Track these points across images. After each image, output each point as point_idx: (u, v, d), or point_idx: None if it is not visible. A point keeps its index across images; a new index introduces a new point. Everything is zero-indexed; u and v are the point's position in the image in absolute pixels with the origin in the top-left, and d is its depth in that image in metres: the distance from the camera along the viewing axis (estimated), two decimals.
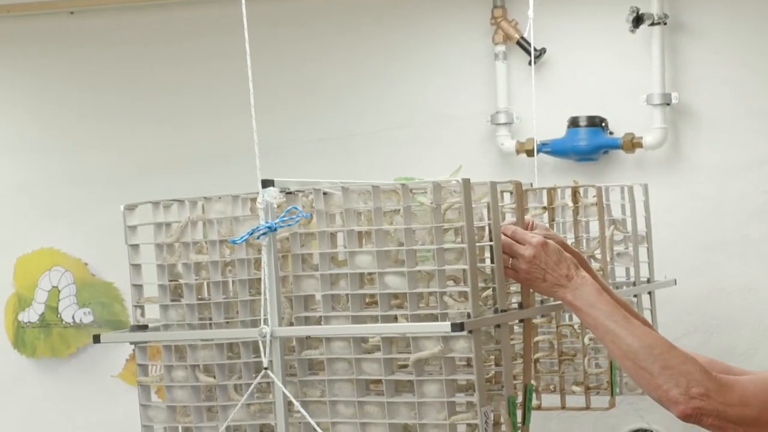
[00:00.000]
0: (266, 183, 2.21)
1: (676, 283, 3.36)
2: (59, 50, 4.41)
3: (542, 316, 2.91)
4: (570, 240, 2.97)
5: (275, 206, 2.21)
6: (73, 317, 4.32)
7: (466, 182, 2.21)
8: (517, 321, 2.61)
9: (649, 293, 3.22)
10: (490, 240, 2.34)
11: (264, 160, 2.23)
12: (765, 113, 3.60)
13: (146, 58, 4.30)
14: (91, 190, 4.31)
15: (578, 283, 2.25)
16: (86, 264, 4.33)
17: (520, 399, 2.46)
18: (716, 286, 3.63)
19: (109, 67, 4.35)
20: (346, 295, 2.30)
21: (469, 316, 2.17)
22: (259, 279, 2.29)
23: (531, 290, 2.50)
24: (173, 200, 2.42)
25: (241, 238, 2.22)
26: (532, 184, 3.24)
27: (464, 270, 2.21)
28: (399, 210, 2.25)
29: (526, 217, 2.67)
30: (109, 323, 4.25)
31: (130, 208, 2.43)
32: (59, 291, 4.34)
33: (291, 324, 2.32)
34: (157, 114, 4.29)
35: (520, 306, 2.52)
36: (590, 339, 2.98)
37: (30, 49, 4.43)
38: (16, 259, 4.42)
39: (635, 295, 3.13)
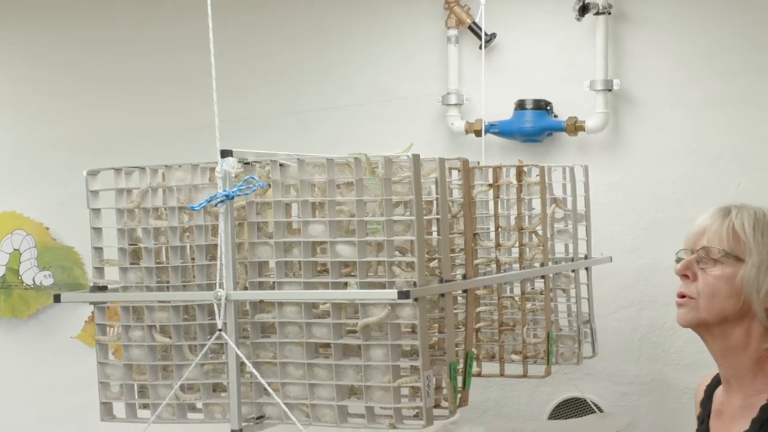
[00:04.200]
0: (225, 153, 2.22)
1: (612, 261, 3.41)
2: (25, 18, 4.37)
3: (485, 287, 2.95)
4: (513, 216, 3.01)
5: (233, 176, 2.22)
6: (33, 279, 4.30)
7: (416, 158, 2.23)
8: (460, 291, 2.65)
9: (587, 269, 3.26)
10: (437, 214, 2.37)
11: (222, 134, 2.24)
12: (699, 103, 3.64)
13: (110, 30, 4.27)
14: (55, 157, 4.28)
15: None
16: (48, 228, 4.30)
17: (461, 365, 2.49)
18: (650, 265, 3.68)
19: (73, 36, 4.31)
20: (299, 262, 2.32)
21: (415, 284, 2.20)
22: (216, 245, 2.30)
23: (474, 263, 2.53)
24: (135, 167, 2.43)
25: (200, 205, 2.23)
26: (479, 162, 3.27)
27: (412, 241, 2.23)
28: (351, 182, 2.27)
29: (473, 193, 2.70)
30: (68, 286, 4.22)
31: (93, 173, 2.43)
32: (20, 254, 4.31)
33: (245, 289, 2.34)
34: (123, 84, 4.25)
35: (464, 277, 2.55)
36: (530, 310, 3.02)
37: None
38: None
39: (573, 271, 3.18)
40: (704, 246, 1.96)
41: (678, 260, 2.01)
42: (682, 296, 1.99)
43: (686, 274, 1.98)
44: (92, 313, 2.49)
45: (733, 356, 1.96)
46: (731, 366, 1.97)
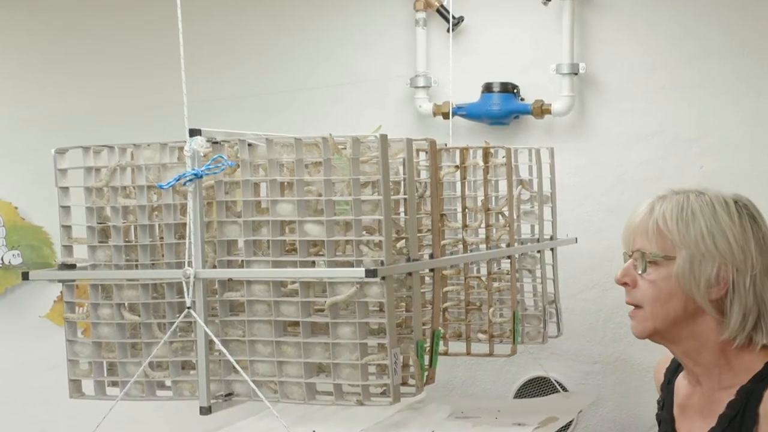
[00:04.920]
0: (193, 132, 2.21)
1: (577, 242, 3.44)
2: None
3: (452, 267, 2.96)
4: (480, 198, 3.02)
5: (202, 155, 2.22)
6: (1, 259, 4.26)
7: (383, 138, 2.24)
8: (428, 271, 2.66)
9: (552, 250, 3.28)
10: (405, 194, 2.37)
11: (190, 114, 2.23)
12: (663, 86, 3.67)
13: (78, 11, 4.23)
14: (24, 137, 4.24)
15: None
16: (16, 208, 4.27)
17: (428, 344, 2.50)
18: (614, 246, 3.65)
19: (42, 14, 4.28)
20: (268, 241, 2.32)
21: (382, 263, 2.20)
22: (185, 224, 2.30)
23: (442, 243, 2.54)
24: (103, 146, 2.42)
25: (168, 183, 2.22)
26: (446, 144, 3.28)
27: (379, 221, 2.24)
28: (320, 162, 2.27)
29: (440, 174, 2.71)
30: (37, 265, 4.20)
31: (61, 152, 2.42)
32: None
33: (214, 267, 2.33)
34: (91, 65, 4.22)
35: (431, 257, 2.56)
36: (496, 290, 3.04)
37: None
38: None
39: (539, 251, 3.19)
40: (636, 249, 1.88)
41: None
42: (631, 305, 1.91)
43: (625, 282, 1.90)
44: (61, 292, 2.48)
45: (695, 355, 1.90)
46: (696, 364, 1.91)
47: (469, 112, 3.76)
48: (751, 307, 1.84)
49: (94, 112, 4.18)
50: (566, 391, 3.65)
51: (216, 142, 2.32)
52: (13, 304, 4.32)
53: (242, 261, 2.33)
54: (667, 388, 2.05)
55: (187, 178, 2.18)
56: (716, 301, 1.85)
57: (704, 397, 1.91)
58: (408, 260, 2.34)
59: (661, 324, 1.87)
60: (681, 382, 2.01)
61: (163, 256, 2.40)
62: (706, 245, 1.83)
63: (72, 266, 2.43)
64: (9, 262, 4.27)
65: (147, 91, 4.12)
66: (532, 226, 3.22)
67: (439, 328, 2.58)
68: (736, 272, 1.83)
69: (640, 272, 1.87)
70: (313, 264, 2.30)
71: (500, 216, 3.03)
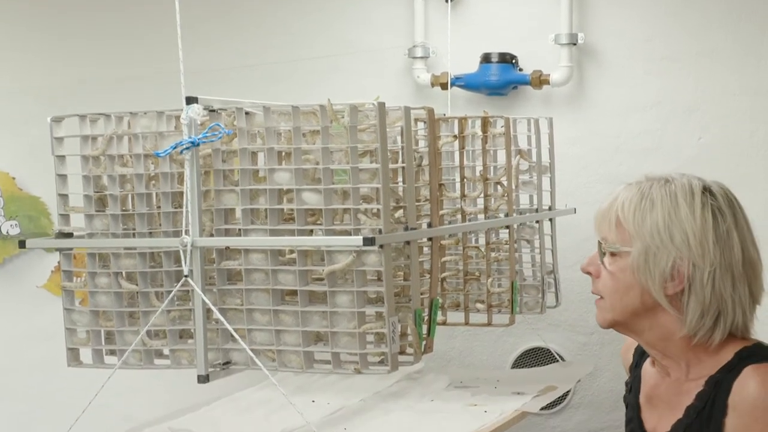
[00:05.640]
0: (190, 100, 2.19)
1: (575, 212, 3.42)
2: None
3: (450, 236, 2.94)
4: (478, 168, 3.00)
5: (198, 123, 2.20)
6: None
7: (381, 106, 2.22)
8: (426, 240, 2.65)
9: (550, 220, 3.27)
10: (403, 163, 2.35)
11: (188, 85, 2.20)
12: (662, 57, 3.64)
13: None
14: (21, 107, 4.21)
15: None
16: (14, 178, 4.24)
17: (426, 313, 2.49)
18: None
19: None
20: (265, 209, 2.30)
21: (380, 232, 2.19)
22: (182, 192, 2.28)
23: (440, 213, 2.52)
24: (99, 114, 2.39)
25: (165, 151, 2.20)
26: (444, 115, 3.25)
27: (377, 189, 2.22)
28: (317, 131, 2.25)
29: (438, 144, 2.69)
30: (35, 236, 4.16)
31: (57, 120, 2.40)
32: None
33: (211, 236, 2.32)
34: (88, 35, 4.19)
35: (429, 226, 2.55)
36: (494, 260, 3.03)
37: None
38: None
39: (537, 221, 3.18)
40: (601, 237, 1.83)
41: None
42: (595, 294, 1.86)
43: (589, 271, 1.85)
44: (58, 262, 2.46)
45: (661, 347, 1.83)
46: (663, 356, 1.85)
47: (468, 83, 3.73)
48: (709, 304, 1.77)
49: (91, 82, 4.15)
50: (564, 361, 3.64)
51: (213, 111, 2.30)
52: (11, 275, 4.30)
53: (240, 230, 2.31)
54: (635, 371, 2.00)
55: (184, 146, 2.16)
56: (672, 297, 1.78)
57: (672, 387, 1.86)
58: (406, 229, 2.32)
59: (620, 316, 1.82)
60: (648, 370, 1.95)
61: (160, 224, 2.38)
62: (661, 238, 1.75)
63: (69, 235, 2.41)
64: (7, 232, 4.25)
65: (144, 62, 4.09)
66: (531, 197, 3.20)
67: (437, 297, 2.57)
68: (693, 267, 1.75)
69: (603, 261, 1.82)
70: (310, 233, 2.28)
71: (498, 186, 3.01)
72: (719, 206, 1.79)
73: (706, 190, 1.81)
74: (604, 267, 1.82)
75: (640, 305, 1.80)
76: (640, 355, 1.99)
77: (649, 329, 1.82)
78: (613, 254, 1.80)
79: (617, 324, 1.85)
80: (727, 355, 1.80)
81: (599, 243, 1.84)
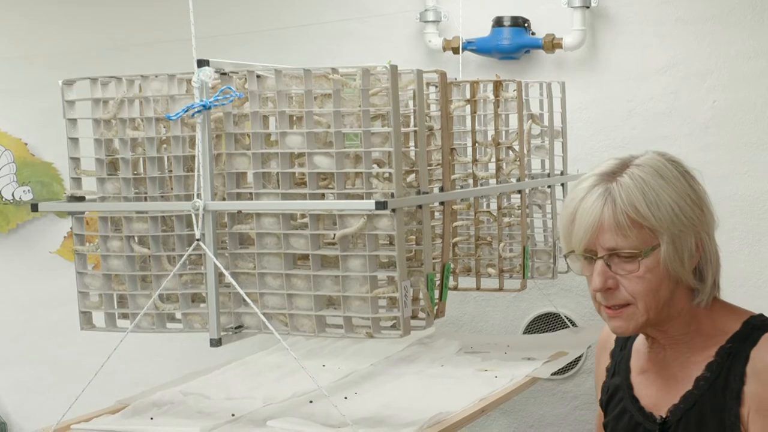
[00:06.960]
0: (201, 63, 2.17)
1: None
2: None
3: (462, 200, 2.93)
4: (490, 132, 2.98)
5: (210, 86, 2.18)
6: (12, 195, 4.25)
7: (394, 68, 2.20)
8: (438, 205, 2.63)
9: (562, 185, 3.24)
10: (415, 126, 2.33)
11: (199, 49, 2.18)
12: (675, 20, 3.60)
13: None
14: (33, 73, 4.20)
15: None
16: (26, 144, 4.24)
17: (438, 278, 2.48)
18: None
19: None
20: (277, 174, 2.28)
21: (392, 196, 2.17)
22: (194, 156, 2.27)
23: (452, 177, 2.50)
24: (111, 77, 2.38)
25: (177, 114, 2.19)
26: (456, 79, 3.23)
27: (389, 153, 2.20)
28: (329, 94, 2.23)
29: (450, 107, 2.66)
30: (48, 201, 4.17)
31: (69, 83, 2.38)
32: None
33: (223, 200, 2.31)
34: (97, 1, 4.18)
35: (441, 190, 2.53)
36: (506, 225, 3.01)
37: None
38: None
39: (549, 186, 3.16)
40: (613, 252, 1.70)
41: (570, 263, 1.77)
42: (609, 307, 1.74)
43: (608, 287, 1.72)
44: (71, 228, 2.45)
45: (665, 327, 1.78)
46: (663, 335, 1.80)
47: (480, 47, 3.70)
48: (715, 263, 1.77)
49: (101, 48, 4.14)
50: (575, 326, 3.63)
51: (224, 74, 2.28)
52: (25, 240, 4.31)
53: (251, 194, 2.30)
54: (620, 354, 1.94)
55: (196, 110, 2.15)
56: (694, 271, 1.75)
57: (674, 362, 1.81)
58: (418, 193, 2.31)
59: (654, 314, 1.74)
60: (640, 348, 1.89)
61: (172, 188, 2.37)
62: (680, 219, 1.70)
63: (81, 198, 2.40)
64: (20, 198, 4.25)
65: (155, 27, 4.07)
66: (543, 161, 3.18)
67: (449, 262, 2.56)
68: (705, 234, 1.74)
69: (616, 271, 1.71)
70: (322, 197, 2.27)
71: (510, 151, 2.99)
72: (685, 168, 1.77)
73: (668, 159, 1.76)
74: (624, 277, 1.72)
75: (669, 294, 1.75)
76: (624, 339, 1.94)
77: (667, 315, 1.77)
78: (634, 259, 1.71)
79: (649, 325, 1.77)
80: (734, 325, 1.78)
81: (608, 255, 1.72)
